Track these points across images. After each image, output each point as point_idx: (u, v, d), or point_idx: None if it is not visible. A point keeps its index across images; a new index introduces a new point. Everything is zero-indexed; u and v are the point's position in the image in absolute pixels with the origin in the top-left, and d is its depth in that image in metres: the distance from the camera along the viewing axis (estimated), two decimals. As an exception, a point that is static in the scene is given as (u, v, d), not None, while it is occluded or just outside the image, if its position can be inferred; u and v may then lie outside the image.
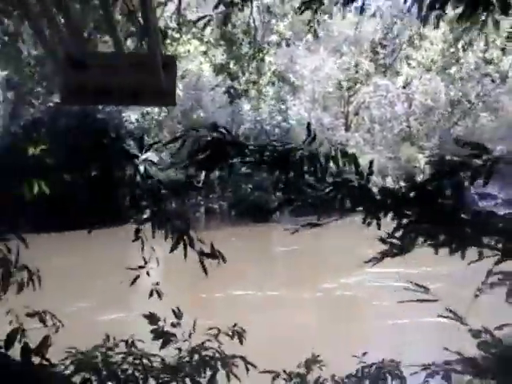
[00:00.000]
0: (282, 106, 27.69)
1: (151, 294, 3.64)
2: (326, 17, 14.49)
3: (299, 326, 11.04)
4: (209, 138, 3.36)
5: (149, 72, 2.93)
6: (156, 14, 2.74)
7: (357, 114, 33.36)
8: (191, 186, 3.89)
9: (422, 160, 31.89)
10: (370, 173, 3.11)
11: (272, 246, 23.81)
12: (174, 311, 3.67)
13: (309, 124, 3.81)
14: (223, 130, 3.62)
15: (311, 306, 13.41)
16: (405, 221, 2.83)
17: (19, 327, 3.10)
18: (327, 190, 3.11)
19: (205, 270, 3.31)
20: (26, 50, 12.64)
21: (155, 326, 3.59)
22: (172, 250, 3.37)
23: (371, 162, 3.28)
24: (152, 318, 3.63)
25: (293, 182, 3.18)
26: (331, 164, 3.08)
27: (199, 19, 14.30)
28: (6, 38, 12.06)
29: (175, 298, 3.89)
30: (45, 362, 2.80)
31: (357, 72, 22.09)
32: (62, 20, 2.86)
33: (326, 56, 31.29)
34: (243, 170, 3.28)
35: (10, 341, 2.83)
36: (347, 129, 32.72)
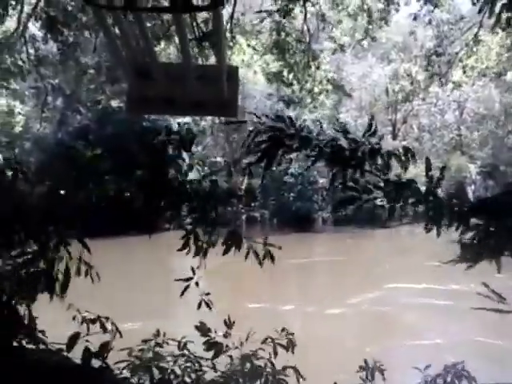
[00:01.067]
0: (326, 112, 27.33)
1: (200, 306, 3.62)
2: (382, 23, 14.21)
3: (342, 337, 10.77)
4: (270, 130, 3.28)
5: (213, 83, 2.96)
6: (223, 30, 2.76)
7: (405, 122, 32.64)
8: (234, 193, 3.92)
9: (473, 170, 30.93)
10: (442, 178, 3.03)
11: (314, 255, 23.53)
12: (225, 322, 3.63)
13: (372, 117, 3.66)
14: (287, 121, 3.53)
15: (356, 316, 13.02)
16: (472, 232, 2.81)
17: (80, 332, 3.16)
18: (391, 190, 3.11)
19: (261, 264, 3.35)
20: (83, 59, 12.92)
21: (207, 338, 3.54)
22: (225, 252, 3.39)
23: (443, 168, 3.19)
24: (203, 329, 3.58)
25: (354, 179, 3.10)
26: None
27: (253, 27, 14.35)
28: (65, 48, 12.38)
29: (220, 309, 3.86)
30: (104, 365, 3.00)
31: (412, 83, 21.52)
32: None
33: (374, 63, 30.81)
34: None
35: (71, 344, 3.02)
36: (394, 137, 32.04)
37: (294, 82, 13.68)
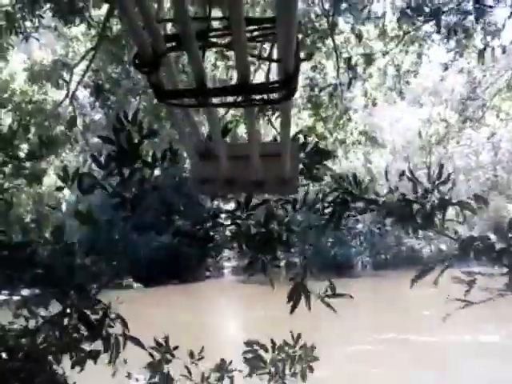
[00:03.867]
0: (359, 156, 27.36)
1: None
2: (412, 76, 14.52)
3: None
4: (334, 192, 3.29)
5: (275, 161, 2.89)
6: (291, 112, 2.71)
7: (440, 164, 32.37)
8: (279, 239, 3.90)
9: (511, 210, 30.30)
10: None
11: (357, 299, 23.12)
12: None
13: (441, 165, 3.62)
14: (351, 182, 3.50)
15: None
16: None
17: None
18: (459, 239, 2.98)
19: (333, 308, 3.45)
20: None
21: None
22: (290, 299, 3.45)
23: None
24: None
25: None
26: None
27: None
28: (111, 113, 13.10)
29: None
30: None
31: (446, 126, 21.59)
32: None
33: (406, 107, 30.99)
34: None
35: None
36: (430, 179, 31.70)
37: (328, 135, 13.99)
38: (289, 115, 2.47)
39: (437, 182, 3.26)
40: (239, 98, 2.03)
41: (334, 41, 12.43)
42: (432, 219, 3.05)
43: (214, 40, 2.24)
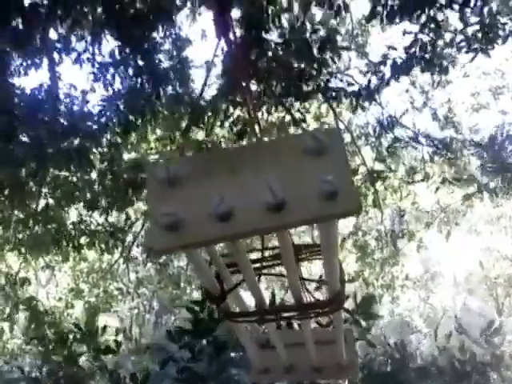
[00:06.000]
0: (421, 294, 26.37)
1: None
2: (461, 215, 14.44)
3: None
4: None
5: (331, 346, 2.93)
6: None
7: (508, 295, 30.45)
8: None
9: None
10: None
11: None
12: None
13: (491, 322, 3.38)
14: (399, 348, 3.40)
15: None
16: None
17: None
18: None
19: None
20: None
21: None
22: None
23: None
24: None
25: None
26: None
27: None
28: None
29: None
30: None
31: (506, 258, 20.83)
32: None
33: (463, 236, 30.19)
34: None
35: None
36: (500, 312, 29.69)
37: (374, 280, 13.81)
38: (340, 319, 2.63)
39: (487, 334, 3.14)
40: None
41: (376, 192, 12.69)
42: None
43: (269, 263, 2.63)
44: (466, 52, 7.86)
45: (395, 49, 7.88)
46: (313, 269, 12.47)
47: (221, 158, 1.94)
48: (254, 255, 2.69)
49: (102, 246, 11.22)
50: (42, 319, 11.53)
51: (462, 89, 15.01)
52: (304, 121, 8.79)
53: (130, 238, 13.57)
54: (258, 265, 2.68)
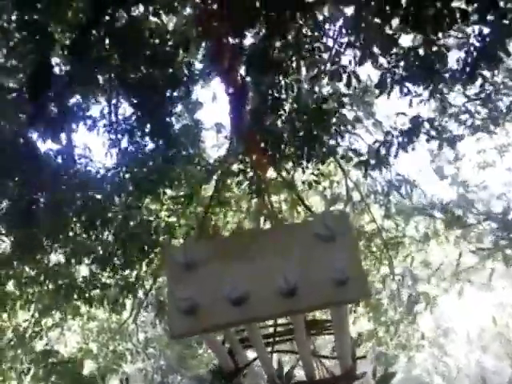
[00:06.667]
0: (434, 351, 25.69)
1: None
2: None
3: None
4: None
5: None
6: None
7: (524, 353, 29.60)
8: None
9: None
10: None
11: None
12: None
13: None
14: None
15: None
16: None
17: None
18: None
19: None
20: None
21: None
22: None
23: None
24: None
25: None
26: None
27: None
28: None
29: None
30: None
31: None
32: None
33: (475, 291, 29.71)
34: None
35: None
36: (516, 372, 28.76)
37: (388, 340, 13.58)
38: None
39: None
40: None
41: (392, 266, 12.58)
42: None
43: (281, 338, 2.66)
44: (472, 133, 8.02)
45: (405, 114, 8.10)
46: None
47: (236, 242, 2.05)
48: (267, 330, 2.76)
49: (111, 304, 11.16)
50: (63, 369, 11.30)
51: (468, 146, 15.22)
52: (318, 182, 8.93)
53: (140, 294, 13.48)
54: (270, 339, 2.74)
